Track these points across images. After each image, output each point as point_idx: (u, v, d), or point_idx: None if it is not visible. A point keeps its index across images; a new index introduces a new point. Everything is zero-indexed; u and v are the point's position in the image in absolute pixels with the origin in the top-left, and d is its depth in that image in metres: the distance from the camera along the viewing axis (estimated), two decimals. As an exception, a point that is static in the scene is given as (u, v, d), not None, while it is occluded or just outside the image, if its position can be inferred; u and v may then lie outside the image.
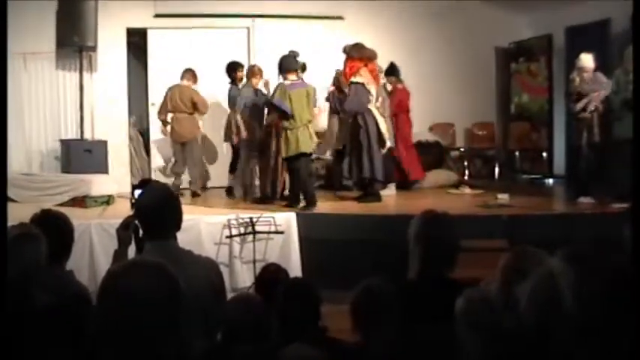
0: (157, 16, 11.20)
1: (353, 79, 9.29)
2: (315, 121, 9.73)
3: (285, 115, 8.71)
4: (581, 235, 7.26)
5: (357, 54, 9.42)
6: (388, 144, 9.43)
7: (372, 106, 9.26)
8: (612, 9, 10.55)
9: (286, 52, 9.03)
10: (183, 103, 10.32)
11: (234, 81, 10.23)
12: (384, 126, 9.31)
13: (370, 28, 11.58)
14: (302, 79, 9.05)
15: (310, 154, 9.04)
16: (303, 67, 9.57)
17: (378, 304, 3.22)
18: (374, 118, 9.23)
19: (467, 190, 10.41)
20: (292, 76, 8.83)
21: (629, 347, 1.76)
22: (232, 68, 10.26)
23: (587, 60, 8.75)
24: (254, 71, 10.00)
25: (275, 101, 8.75)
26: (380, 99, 9.52)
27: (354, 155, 9.40)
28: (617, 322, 1.77)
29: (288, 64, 8.86)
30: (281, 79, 8.90)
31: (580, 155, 8.94)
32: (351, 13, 11.89)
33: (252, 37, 11.74)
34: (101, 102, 11.00)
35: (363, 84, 9.21)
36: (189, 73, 10.45)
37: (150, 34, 11.47)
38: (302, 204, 8.76)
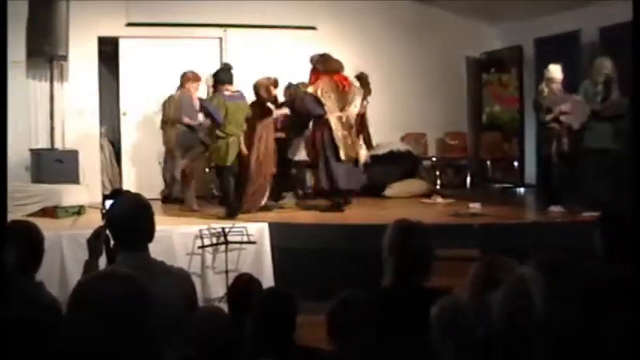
0: (129, 24, 11.15)
1: (306, 89, 9.39)
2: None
3: (216, 124, 8.93)
4: (552, 244, 7.32)
5: (322, 67, 9.48)
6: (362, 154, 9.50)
7: (331, 117, 9.28)
8: (581, 21, 10.68)
9: (224, 65, 9.40)
10: (171, 111, 10.48)
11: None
12: (340, 137, 9.32)
13: (342, 39, 11.63)
14: (239, 91, 9.15)
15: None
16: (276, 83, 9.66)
17: (355, 315, 3.22)
18: (329, 128, 9.25)
19: (439, 200, 10.44)
20: (231, 88, 9.03)
21: (600, 350, 1.78)
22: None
23: (555, 71, 8.83)
24: (187, 77, 10.25)
25: (210, 108, 8.95)
26: (357, 105, 9.60)
27: (314, 165, 9.50)
28: (588, 327, 1.79)
29: (224, 77, 9.10)
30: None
31: (550, 165, 9.01)
32: (324, 24, 11.91)
33: (224, 47, 11.72)
34: (72, 111, 10.92)
35: (312, 94, 9.25)
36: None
37: (122, 43, 11.41)
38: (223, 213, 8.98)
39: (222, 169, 9.13)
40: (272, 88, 9.69)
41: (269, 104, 9.57)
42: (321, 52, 9.79)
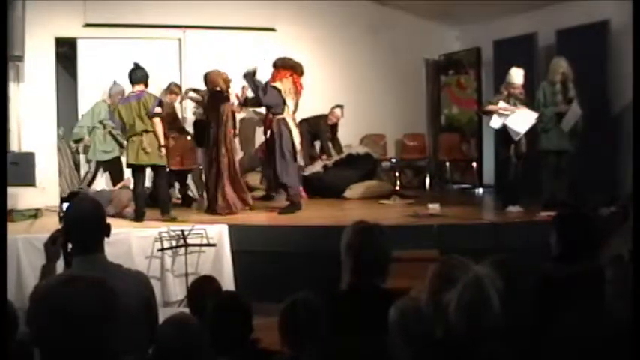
0: (87, 25, 11.02)
1: (271, 84, 9.38)
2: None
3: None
4: (510, 244, 7.39)
5: (281, 62, 9.55)
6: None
7: (287, 117, 9.29)
8: (538, 23, 10.82)
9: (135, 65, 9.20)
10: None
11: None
12: (297, 138, 9.35)
13: (301, 40, 11.63)
14: (144, 90, 8.96)
15: (155, 167, 9.02)
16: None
17: (303, 318, 3.22)
18: (288, 128, 9.26)
19: (398, 201, 10.48)
20: (138, 88, 8.90)
21: (554, 348, 1.80)
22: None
23: (517, 76, 8.90)
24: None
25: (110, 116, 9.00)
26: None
27: (271, 163, 9.49)
28: (544, 325, 1.81)
29: (131, 77, 8.98)
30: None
31: (508, 166, 9.11)
32: (283, 25, 11.90)
33: (183, 49, 11.65)
34: (29, 113, 10.76)
35: (279, 90, 9.26)
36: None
37: (80, 44, 11.25)
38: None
39: (136, 170, 8.95)
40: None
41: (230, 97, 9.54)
42: (281, 54, 9.84)
